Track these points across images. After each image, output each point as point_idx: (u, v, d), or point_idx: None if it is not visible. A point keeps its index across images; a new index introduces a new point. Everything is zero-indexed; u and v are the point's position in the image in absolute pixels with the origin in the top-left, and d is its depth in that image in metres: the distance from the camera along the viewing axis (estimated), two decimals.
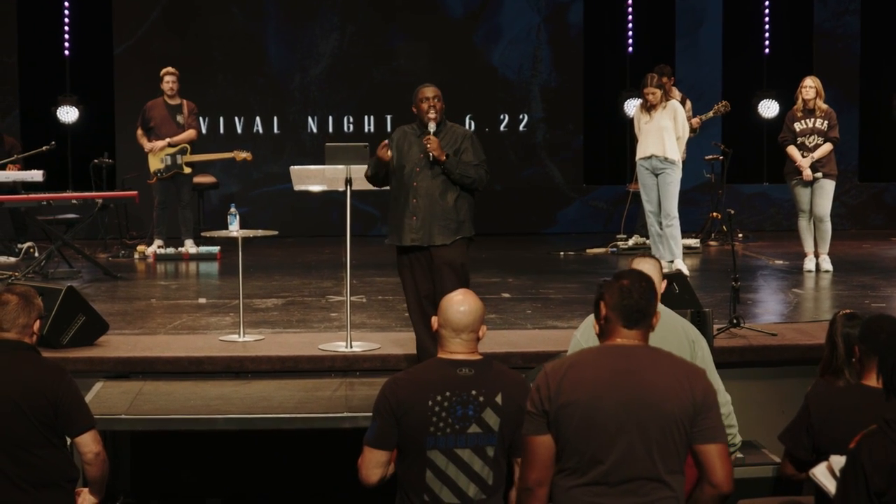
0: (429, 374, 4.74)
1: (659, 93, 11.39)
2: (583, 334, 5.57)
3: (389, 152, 7.60)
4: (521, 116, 16.04)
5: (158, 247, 13.18)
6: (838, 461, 4.41)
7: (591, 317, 5.61)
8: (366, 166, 7.97)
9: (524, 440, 4.32)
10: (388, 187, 7.90)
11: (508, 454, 4.74)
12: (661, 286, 5.54)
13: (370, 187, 8.15)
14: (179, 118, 13.27)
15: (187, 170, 13.21)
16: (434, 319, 4.83)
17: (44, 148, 12.78)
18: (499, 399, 4.67)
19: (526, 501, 4.32)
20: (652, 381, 4.21)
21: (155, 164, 13.14)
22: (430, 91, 7.68)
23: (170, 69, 13.31)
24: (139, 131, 13.26)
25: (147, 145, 13.15)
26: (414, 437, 4.64)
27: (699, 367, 4.41)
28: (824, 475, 4.53)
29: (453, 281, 7.40)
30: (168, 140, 13.10)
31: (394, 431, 4.66)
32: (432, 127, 7.58)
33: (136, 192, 12.73)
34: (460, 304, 4.77)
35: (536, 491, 4.28)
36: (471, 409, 4.64)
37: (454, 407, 4.63)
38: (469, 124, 15.56)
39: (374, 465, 4.71)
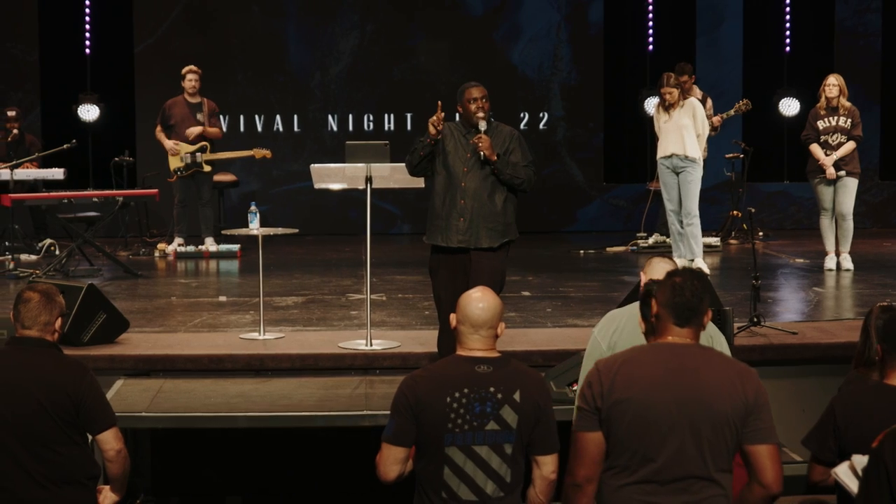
0: (447, 371, 4.74)
1: (676, 92, 11.35)
2: (600, 331, 5.55)
3: (439, 127, 7.43)
4: (541, 115, 16.02)
5: (179, 245, 13.20)
6: (860, 460, 4.39)
7: (610, 314, 5.64)
8: (385, 165, 7.96)
9: (574, 435, 4.32)
10: (419, 178, 7.84)
11: (526, 452, 4.73)
12: None
13: (390, 185, 8.15)
14: (199, 116, 13.28)
15: (207, 168, 13.23)
16: (452, 317, 4.83)
17: (65, 146, 12.81)
18: (517, 396, 4.67)
19: (574, 498, 4.32)
20: (705, 381, 4.23)
21: (175, 162, 13.16)
22: (477, 91, 7.55)
23: (192, 67, 13.33)
24: (158, 129, 13.27)
25: (168, 144, 13.13)
26: (432, 433, 4.64)
27: (751, 368, 4.41)
28: (846, 474, 4.51)
29: (488, 286, 7.39)
30: (196, 131, 13.08)
31: (412, 428, 4.67)
32: (483, 126, 7.49)
33: (156, 190, 12.76)
34: (479, 300, 4.78)
35: (585, 487, 4.29)
36: (489, 406, 4.64)
37: (472, 404, 4.63)
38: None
39: (393, 461, 4.71)
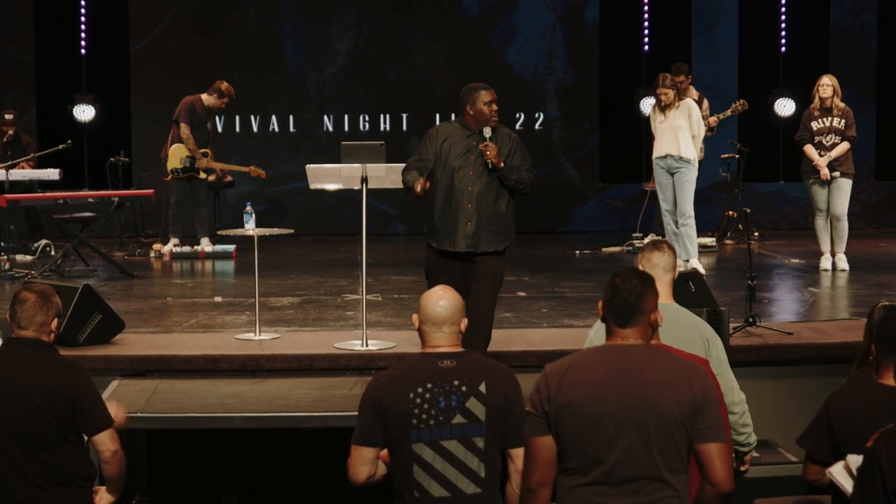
0: (411, 369, 4.77)
1: (672, 93, 11.36)
2: (596, 333, 5.56)
3: (426, 186, 7.47)
4: (536, 115, 16.02)
5: (174, 245, 13.20)
6: (855, 460, 4.40)
7: None
8: (381, 165, 7.96)
9: (525, 441, 4.33)
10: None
11: (502, 447, 4.73)
12: (673, 274, 5.54)
13: (386, 186, 8.14)
14: (209, 125, 13.36)
15: (203, 176, 13.21)
16: (414, 317, 4.86)
17: (60, 146, 12.80)
18: (482, 388, 4.67)
19: (528, 502, 4.33)
20: (650, 380, 4.21)
21: (174, 162, 13.14)
22: (490, 95, 7.52)
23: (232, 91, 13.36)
24: (189, 129, 13.12)
25: (199, 153, 13.06)
26: (398, 431, 4.66)
27: (699, 366, 4.41)
28: (841, 474, 4.52)
29: (491, 289, 7.43)
30: (205, 164, 13.15)
31: (378, 427, 4.68)
32: (488, 132, 7.48)
33: (152, 191, 12.76)
34: (440, 298, 4.82)
35: (538, 491, 4.30)
36: (454, 400, 4.65)
37: (437, 398, 4.64)
38: None
39: (361, 462, 4.74)
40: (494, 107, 7.50)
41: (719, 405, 4.42)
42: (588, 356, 4.38)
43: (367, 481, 4.76)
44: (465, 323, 4.87)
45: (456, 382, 4.67)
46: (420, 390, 4.65)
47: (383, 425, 4.68)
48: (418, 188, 7.40)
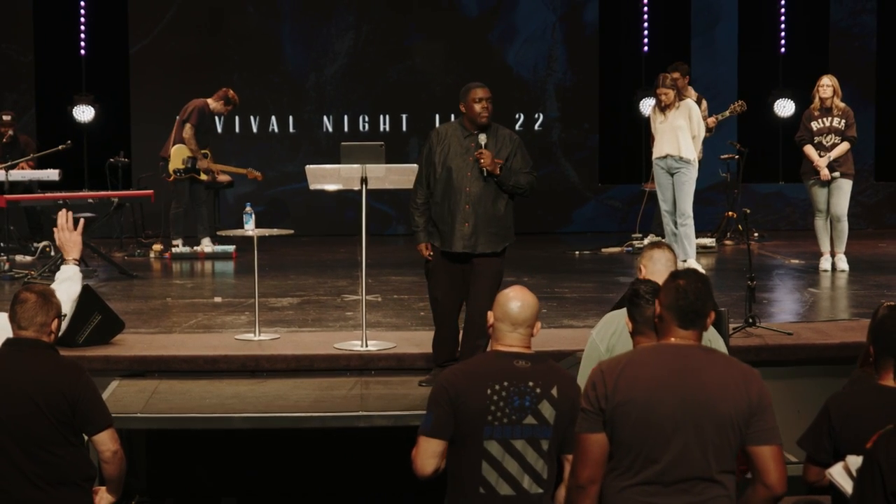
0: (486, 365, 4.78)
1: (672, 93, 11.36)
2: (598, 334, 5.56)
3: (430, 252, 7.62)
4: (536, 116, 16.02)
5: (174, 245, 13.20)
6: (855, 461, 4.40)
7: (608, 316, 5.64)
8: (381, 165, 7.97)
9: (577, 437, 4.33)
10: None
11: (559, 451, 4.75)
12: None
13: (386, 186, 8.15)
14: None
15: (204, 177, 13.22)
16: (489, 314, 4.84)
17: (60, 147, 12.81)
18: (555, 392, 4.70)
19: (577, 499, 4.33)
20: (708, 382, 4.24)
21: (176, 163, 13.13)
22: (483, 92, 7.51)
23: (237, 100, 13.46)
24: (193, 130, 13.12)
25: (200, 154, 13.08)
26: (471, 426, 4.65)
27: (754, 369, 4.42)
28: (841, 475, 4.52)
29: (490, 290, 7.43)
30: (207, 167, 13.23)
31: (450, 420, 4.67)
32: (483, 139, 7.50)
33: (151, 191, 12.77)
34: (518, 298, 4.81)
35: (588, 489, 4.30)
36: (528, 400, 4.67)
37: (512, 397, 4.66)
38: None
39: (430, 455, 4.71)
40: (485, 104, 7.49)
41: None
42: (645, 355, 4.39)
43: (433, 475, 4.73)
44: (538, 327, 4.87)
45: (531, 384, 4.69)
46: (497, 387, 4.66)
47: (456, 419, 4.67)
48: (425, 254, 7.61)
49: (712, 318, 4.43)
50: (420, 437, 4.73)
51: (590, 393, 4.30)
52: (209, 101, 13.28)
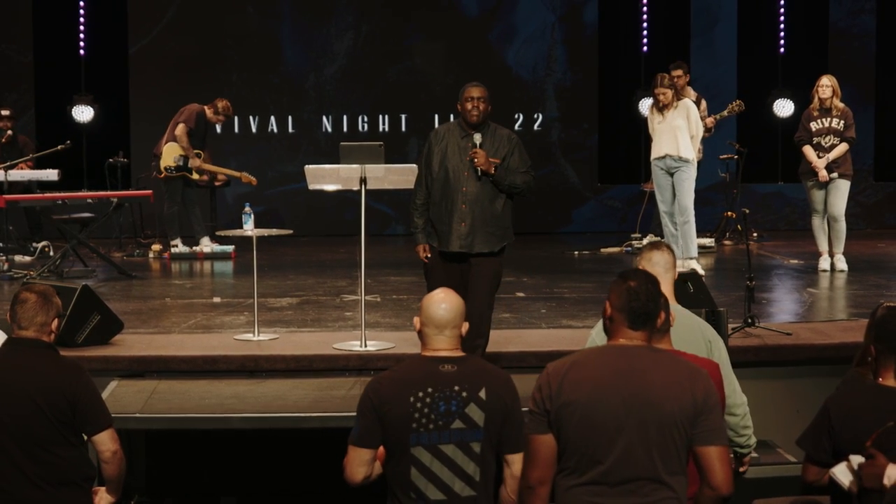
0: (411, 372, 4.75)
1: (670, 93, 11.36)
2: (598, 333, 5.55)
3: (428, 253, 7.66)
4: (535, 116, 16.02)
5: (173, 246, 13.20)
6: (858, 461, 4.40)
7: None
8: (380, 166, 7.96)
9: (527, 438, 4.33)
10: (414, 180, 7.85)
11: (497, 451, 4.73)
12: (674, 273, 5.53)
13: (385, 186, 8.14)
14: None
15: (195, 176, 13.21)
16: (416, 319, 4.84)
17: (59, 147, 12.80)
18: (482, 394, 4.66)
19: (528, 500, 4.34)
20: (653, 382, 4.22)
21: (167, 160, 13.13)
22: (476, 91, 7.54)
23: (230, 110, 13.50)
24: (187, 130, 13.11)
25: (192, 153, 13.08)
26: (397, 434, 4.65)
27: (702, 369, 4.40)
28: (844, 474, 4.51)
29: (488, 290, 7.43)
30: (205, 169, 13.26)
31: (377, 429, 4.67)
32: (478, 139, 7.51)
33: (150, 192, 12.77)
34: (442, 301, 4.80)
35: (538, 490, 4.30)
36: (454, 405, 4.64)
37: (437, 403, 4.63)
38: None
39: (359, 463, 4.73)
40: (476, 102, 7.50)
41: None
42: (590, 356, 4.39)
43: (363, 482, 4.76)
44: (465, 327, 4.86)
45: (456, 388, 4.66)
46: (421, 394, 4.64)
47: (382, 427, 4.66)
48: (422, 256, 7.65)
49: (662, 318, 4.42)
50: (349, 445, 4.75)
51: (536, 395, 4.30)
52: (206, 108, 13.30)
